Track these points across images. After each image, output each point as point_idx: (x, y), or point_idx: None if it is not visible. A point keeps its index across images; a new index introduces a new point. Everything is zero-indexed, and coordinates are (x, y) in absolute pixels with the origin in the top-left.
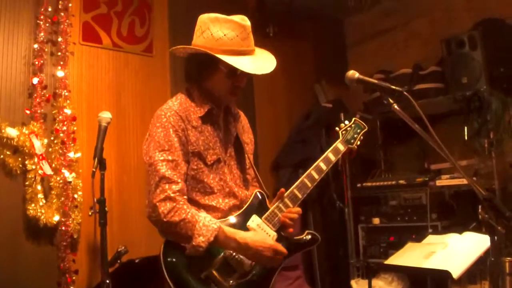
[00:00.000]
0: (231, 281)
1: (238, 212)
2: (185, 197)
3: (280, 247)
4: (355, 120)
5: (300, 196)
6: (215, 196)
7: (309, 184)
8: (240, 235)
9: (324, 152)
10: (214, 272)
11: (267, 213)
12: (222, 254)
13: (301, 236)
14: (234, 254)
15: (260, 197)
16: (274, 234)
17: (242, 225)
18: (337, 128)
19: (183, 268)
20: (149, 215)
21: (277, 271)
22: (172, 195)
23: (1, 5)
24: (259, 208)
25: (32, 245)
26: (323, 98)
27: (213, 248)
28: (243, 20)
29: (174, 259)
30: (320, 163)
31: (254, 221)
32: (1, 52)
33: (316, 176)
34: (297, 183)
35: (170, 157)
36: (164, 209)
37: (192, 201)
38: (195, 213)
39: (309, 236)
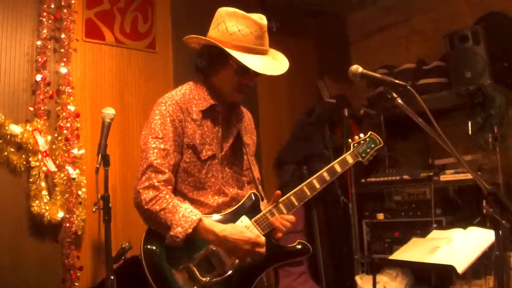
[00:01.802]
0: (208, 278)
1: (228, 211)
2: (170, 187)
3: (259, 240)
4: (370, 134)
5: (296, 203)
6: (204, 192)
7: (308, 193)
8: (219, 228)
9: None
10: (192, 266)
11: (258, 215)
12: (204, 249)
13: (291, 245)
14: (216, 251)
15: (253, 198)
16: (264, 241)
17: (229, 224)
18: (349, 140)
19: (162, 257)
20: (133, 201)
21: (259, 276)
22: (156, 183)
23: (4, 2)
24: (251, 209)
25: (36, 242)
26: (326, 94)
27: (196, 242)
28: (261, 18)
29: (153, 247)
30: (324, 173)
31: (243, 221)
32: (4, 49)
33: (318, 186)
34: (295, 190)
35: (162, 146)
36: (146, 197)
37: (181, 194)
38: (176, 203)
39: (300, 246)
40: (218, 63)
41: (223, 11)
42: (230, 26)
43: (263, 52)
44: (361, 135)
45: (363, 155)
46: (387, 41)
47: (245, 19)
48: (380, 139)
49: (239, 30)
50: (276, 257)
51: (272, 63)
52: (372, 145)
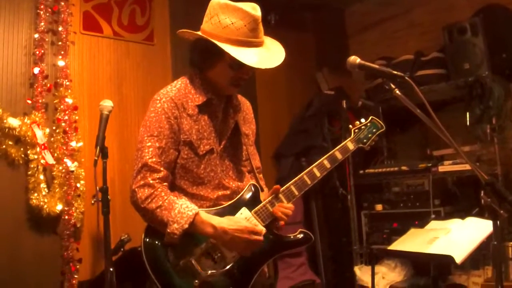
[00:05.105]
0: (209, 271)
1: (228, 203)
2: (165, 184)
3: (256, 228)
4: (372, 118)
5: (297, 193)
6: (204, 187)
7: (309, 182)
8: (217, 220)
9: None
10: (193, 260)
11: (258, 207)
12: (205, 243)
13: (293, 235)
14: (216, 244)
15: (253, 189)
16: (263, 229)
17: (226, 216)
18: (350, 126)
19: (162, 252)
20: (130, 200)
21: (260, 268)
22: (151, 181)
23: None
24: (251, 201)
25: (35, 235)
26: (325, 86)
27: (196, 236)
28: (254, 9)
29: (154, 242)
30: (325, 160)
31: (243, 213)
32: (1, 42)
33: (318, 174)
34: (295, 179)
35: (157, 144)
36: (142, 195)
37: (180, 189)
38: (172, 200)
39: (301, 235)
40: (212, 58)
41: (215, 3)
42: (223, 19)
43: (257, 44)
44: (362, 120)
45: (365, 140)
46: (386, 34)
47: (238, 11)
48: (382, 123)
49: (232, 23)
50: (278, 247)
51: (267, 56)
52: (374, 130)
